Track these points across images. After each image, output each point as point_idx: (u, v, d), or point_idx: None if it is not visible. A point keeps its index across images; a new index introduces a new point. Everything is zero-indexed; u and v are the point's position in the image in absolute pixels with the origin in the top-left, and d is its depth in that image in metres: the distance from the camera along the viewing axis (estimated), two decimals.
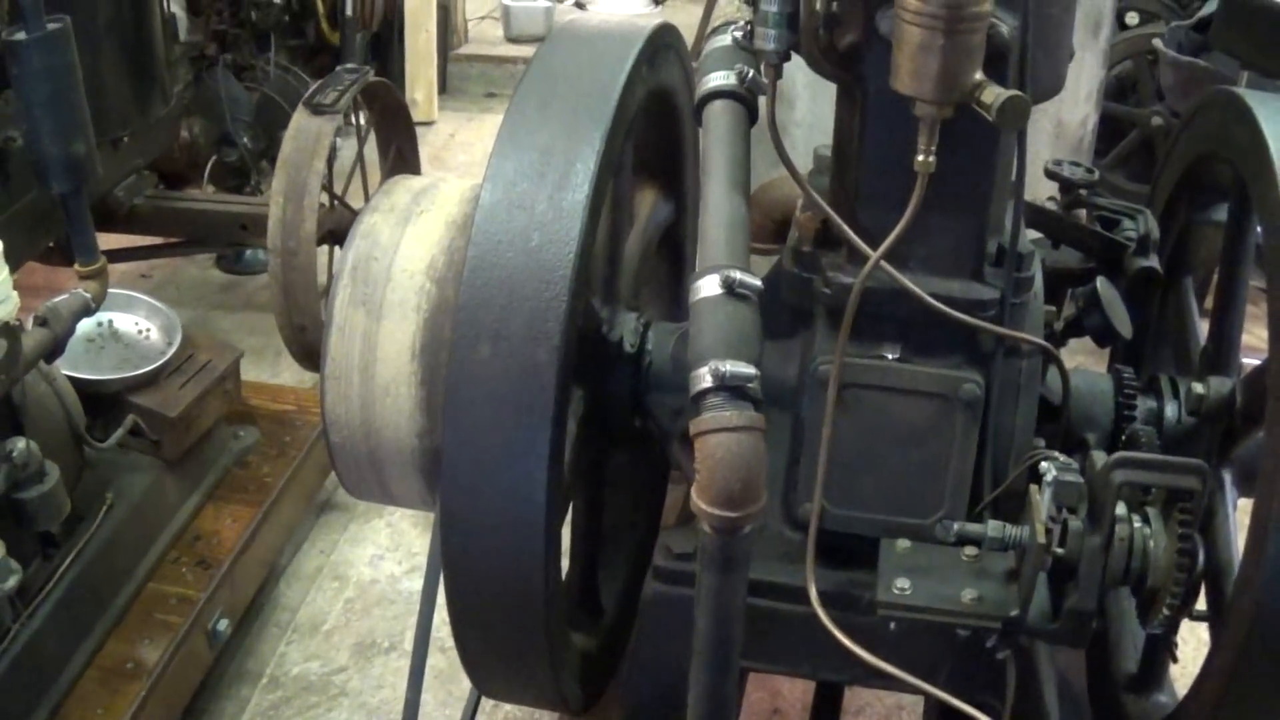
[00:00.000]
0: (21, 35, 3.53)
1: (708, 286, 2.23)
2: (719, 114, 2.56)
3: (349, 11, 6.85)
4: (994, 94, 2.20)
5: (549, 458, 2.43)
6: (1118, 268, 3.21)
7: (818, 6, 2.39)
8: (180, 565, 4.07)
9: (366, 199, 5.31)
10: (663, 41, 2.90)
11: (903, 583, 2.53)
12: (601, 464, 3.02)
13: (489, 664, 2.78)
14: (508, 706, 3.79)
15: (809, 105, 4.07)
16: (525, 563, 2.50)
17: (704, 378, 2.14)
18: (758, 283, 2.24)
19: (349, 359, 2.80)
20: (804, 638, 2.60)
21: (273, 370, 5.52)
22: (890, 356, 2.63)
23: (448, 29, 8.85)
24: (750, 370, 2.14)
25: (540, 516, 2.45)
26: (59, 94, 3.65)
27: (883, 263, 2.40)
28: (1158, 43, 5.89)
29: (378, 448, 2.84)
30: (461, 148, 8.14)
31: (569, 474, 2.66)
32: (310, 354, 4.88)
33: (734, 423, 2.11)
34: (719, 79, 2.59)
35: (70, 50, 3.66)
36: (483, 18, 9.57)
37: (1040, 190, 3.41)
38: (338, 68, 5.25)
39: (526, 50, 8.95)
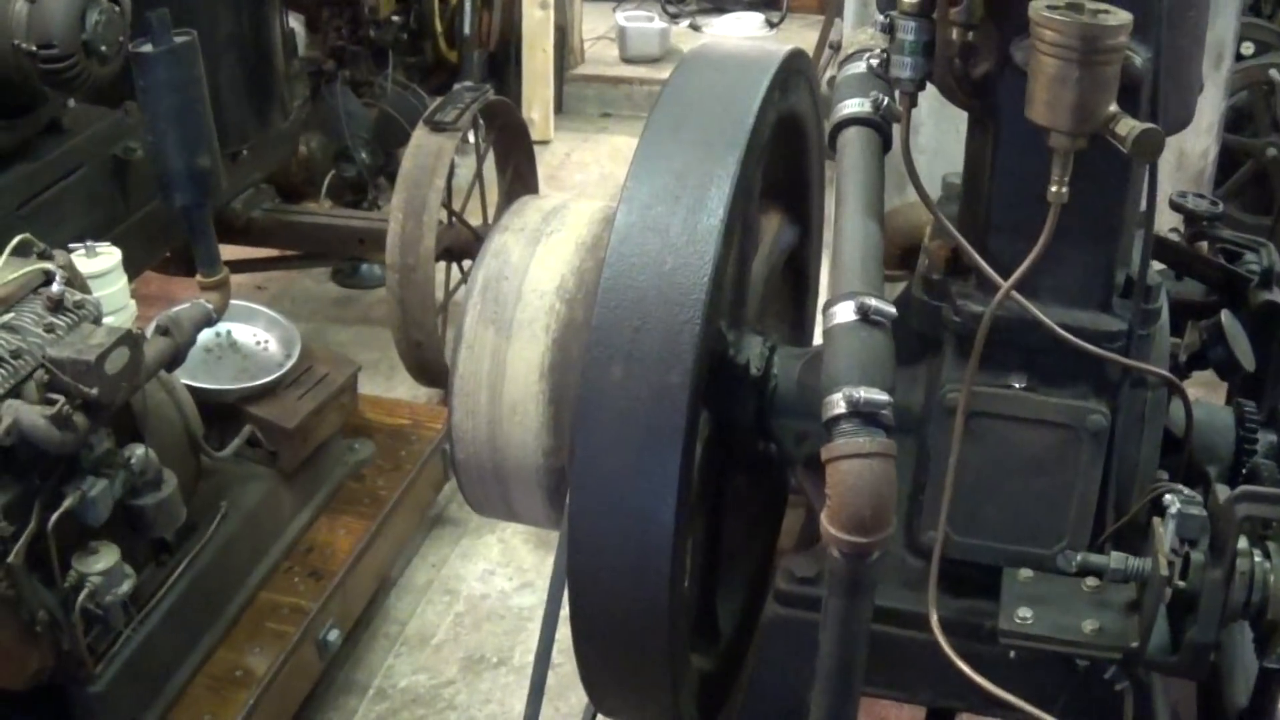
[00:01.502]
0: (149, 48, 3.57)
1: (843, 313, 2.23)
2: (853, 140, 2.57)
3: (467, 30, 6.89)
4: (1128, 126, 2.20)
5: (678, 479, 2.44)
6: (1240, 300, 3.19)
7: (954, 36, 2.40)
8: (293, 575, 4.13)
9: (485, 217, 5.40)
10: (794, 67, 2.91)
11: (1024, 612, 2.53)
12: (723, 486, 3.02)
13: (609, 681, 2.79)
14: None
15: (933, 132, 4.07)
16: (651, 583, 2.51)
17: (837, 403, 2.14)
18: (892, 310, 2.24)
19: (478, 376, 2.83)
20: (923, 664, 2.60)
21: (387, 385, 5.57)
22: (1017, 385, 2.62)
23: (564, 49, 8.88)
24: (884, 397, 2.13)
25: (668, 537, 2.46)
26: (185, 107, 3.70)
27: (1013, 292, 2.40)
28: (1274, 73, 5.85)
29: (503, 464, 2.86)
30: (577, 167, 8.18)
31: (694, 496, 2.67)
32: (426, 369, 4.93)
33: (867, 449, 2.10)
34: (854, 105, 2.60)
35: (197, 63, 3.71)
36: (599, 38, 9.59)
37: (1162, 222, 3.39)
38: (457, 86, 5.29)
39: (642, 71, 9.00)
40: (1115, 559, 2.51)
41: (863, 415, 2.13)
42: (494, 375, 2.81)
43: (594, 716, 3.22)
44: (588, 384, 2.47)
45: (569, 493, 2.53)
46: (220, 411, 4.10)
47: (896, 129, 2.58)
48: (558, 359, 2.79)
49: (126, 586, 3.39)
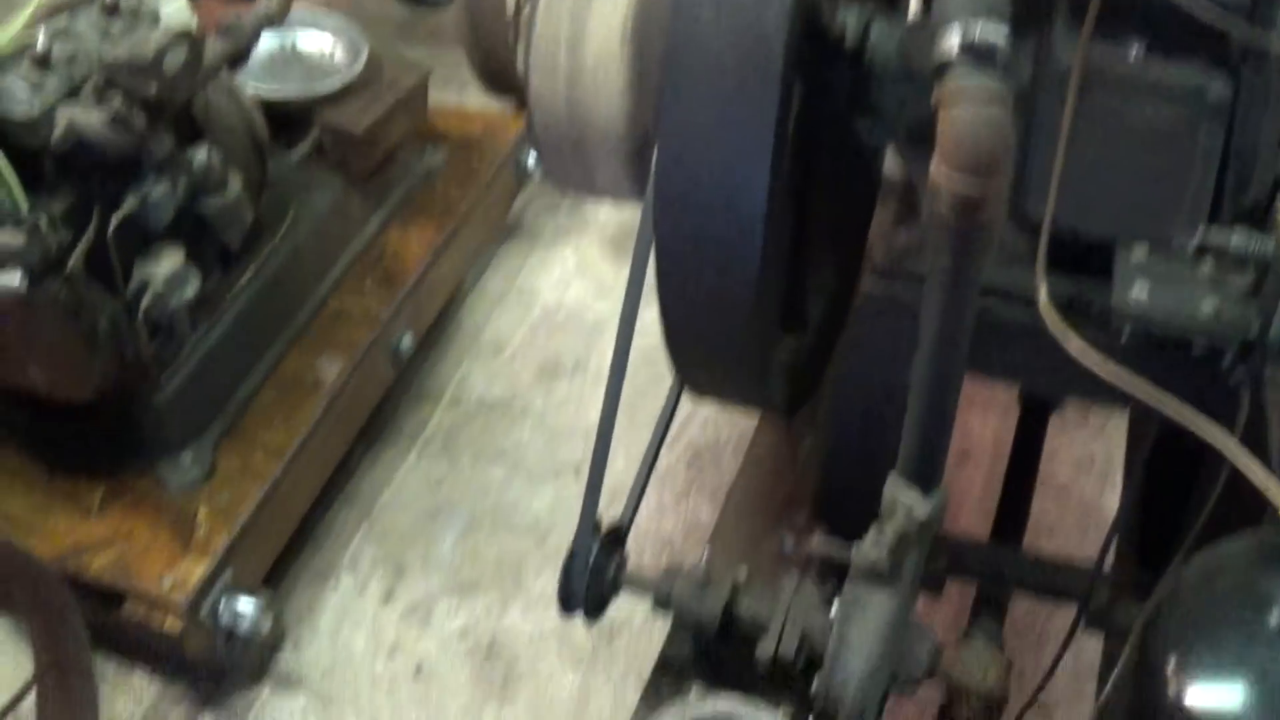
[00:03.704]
0: None
1: None
2: None
3: None
4: None
5: (775, 129, 2.28)
6: None
7: None
8: (364, 281, 4.06)
9: None
10: None
11: (1139, 290, 2.39)
12: (812, 170, 2.88)
13: (697, 355, 2.70)
14: (692, 433, 3.77)
15: None
16: (742, 242, 2.37)
17: (951, 38, 1.99)
18: None
19: (556, 34, 2.68)
20: (1024, 345, 2.48)
21: (458, 100, 5.47)
22: (1134, 54, 2.46)
23: None
24: (1002, 29, 1.98)
25: (761, 194, 2.31)
26: None
27: None
28: None
29: (584, 128, 2.72)
30: None
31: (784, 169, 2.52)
32: (497, 79, 4.81)
33: (984, 86, 1.96)
34: None
35: None
36: None
37: None
38: None
39: None
40: (1239, 235, 2.36)
41: (979, 51, 1.98)
42: (573, 31, 2.66)
43: (669, 422, 3.13)
44: (676, 30, 2.30)
45: (656, 147, 2.38)
46: (286, 118, 4.03)
47: None
48: (640, 15, 2.63)
49: (191, 291, 3.32)
